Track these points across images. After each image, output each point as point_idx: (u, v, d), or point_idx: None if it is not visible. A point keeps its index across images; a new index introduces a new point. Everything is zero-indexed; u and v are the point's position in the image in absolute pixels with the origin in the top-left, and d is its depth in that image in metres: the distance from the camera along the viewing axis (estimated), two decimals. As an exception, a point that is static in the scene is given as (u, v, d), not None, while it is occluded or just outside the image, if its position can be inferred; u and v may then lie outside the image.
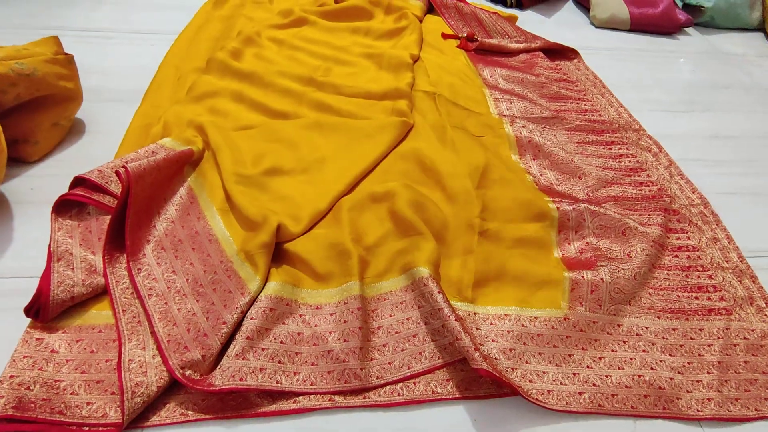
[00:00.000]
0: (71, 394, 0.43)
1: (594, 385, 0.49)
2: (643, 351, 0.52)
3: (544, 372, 0.49)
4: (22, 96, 0.62)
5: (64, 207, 0.58)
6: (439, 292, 0.50)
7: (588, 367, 0.51)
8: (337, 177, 0.66)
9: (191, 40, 0.94)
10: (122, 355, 0.45)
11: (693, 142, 0.85)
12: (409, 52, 0.90)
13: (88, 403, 0.43)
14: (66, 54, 0.68)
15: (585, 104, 0.88)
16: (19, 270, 0.54)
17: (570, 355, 0.51)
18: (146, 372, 0.44)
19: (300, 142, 0.70)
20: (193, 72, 0.83)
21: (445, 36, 1.05)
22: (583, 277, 0.57)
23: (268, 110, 0.76)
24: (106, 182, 0.58)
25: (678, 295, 0.58)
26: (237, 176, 0.63)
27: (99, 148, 0.69)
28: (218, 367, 0.45)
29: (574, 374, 0.49)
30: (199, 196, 0.62)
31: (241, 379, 0.44)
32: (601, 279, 0.56)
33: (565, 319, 0.53)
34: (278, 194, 0.63)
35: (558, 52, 1.05)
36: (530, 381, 0.48)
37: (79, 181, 0.58)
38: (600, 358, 0.51)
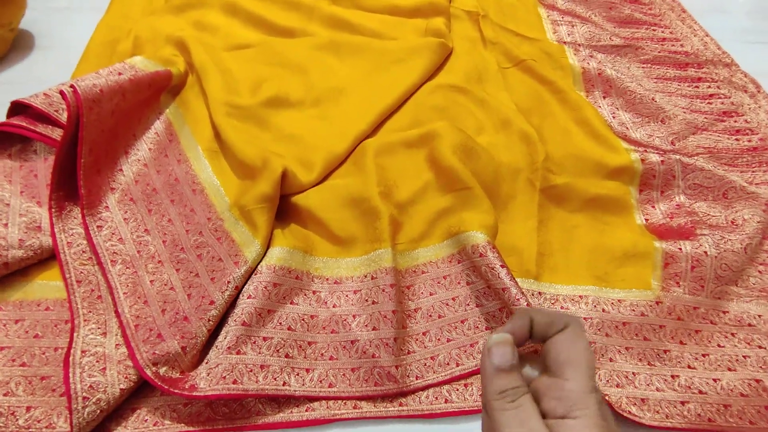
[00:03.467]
0: (5, 394, 0.32)
1: (700, 392, 0.37)
2: (759, 347, 0.40)
3: (634, 373, 0.37)
4: (-64, -11, 0.46)
5: (1, 142, 0.44)
6: (502, 266, 0.37)
7: (689, 367, 0.39)
8: (358, 112, 0.51)
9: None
10: (72, 345, 0.33)
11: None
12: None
13: (28, 408, 0.32)
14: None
15: (662, 31, 0.70)
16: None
17: (666, 351, 0.39)
18: (105, 369, 0.32)
19: (310, 66, 0.54)
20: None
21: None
22: (680, 249, 0.43)
23: (269, 26, 0.60)
24: (56, 110, 0.43)
25: (797, 275, 0.45)
26: (229, 107, 0.48)
27: (51, 68, 0.54)
28: (204, 362, 0.33)
29: (672, 376, 0.38)
30: (180, 132, 0.48)
31: (235, 382, 0.32)
32: (705, 252, 0.43)
33: (657, 303, 0.41)
34: (283, 132, 0.49)
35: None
36: (618, 386, 0.36)
37: (19, 108, 0.43)
38: (704, 356, 0.39)
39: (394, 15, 0.62)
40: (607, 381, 0.37)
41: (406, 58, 0.56)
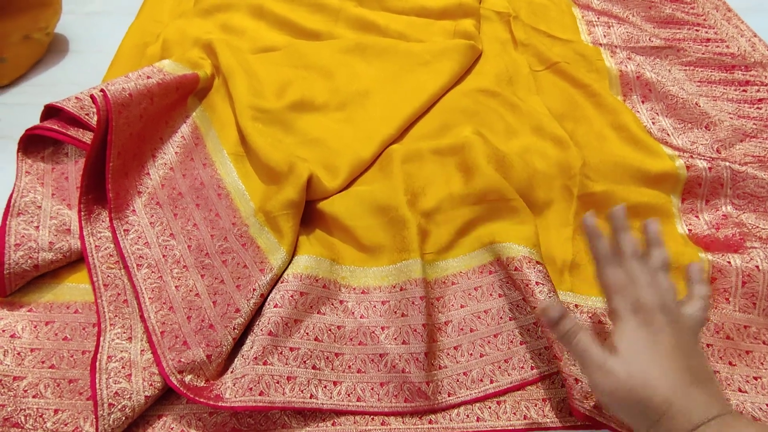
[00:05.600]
0: (34, 396, 0.32)
1: (753, 417, 0.35)
2: (818, 372, 0.37)
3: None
4: (-23, -5, 0.47)
5: (34, 145, 0.44)
6: (537, 284, 0.35)
7: (740, 390, 0.36)
8: (384, 116, 0.50)
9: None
10: (99, 350, 0.32)
11: None
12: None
13: (56, 411, 0.32)
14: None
15: (706, 31, 0.67)
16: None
17: (714, 372, 0.36)
18: (130, 375, 0.31)
19: (336, 69, 0.54)
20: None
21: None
22: (729, 262, 0.41)
23: (296, 28, 0.59)
24: (87, 114, 0.43)
25: None
26: (255, 110, 0.48)
27: (85, 71, 0.55)
28: (230, 371, 0.33)
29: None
30: (206, 136, 0.48)
31: (261, 393, 0.31)
32: (756, 266, 0.40)
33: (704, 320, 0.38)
34: (307, 136, 0.48)
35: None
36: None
37: (52, 112, 0.44)
38: (756, 378, 0.37)
39: (421, 16, 0.61)
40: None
41: (433, 60, 0.55)
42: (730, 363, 0.37)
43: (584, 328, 0.28)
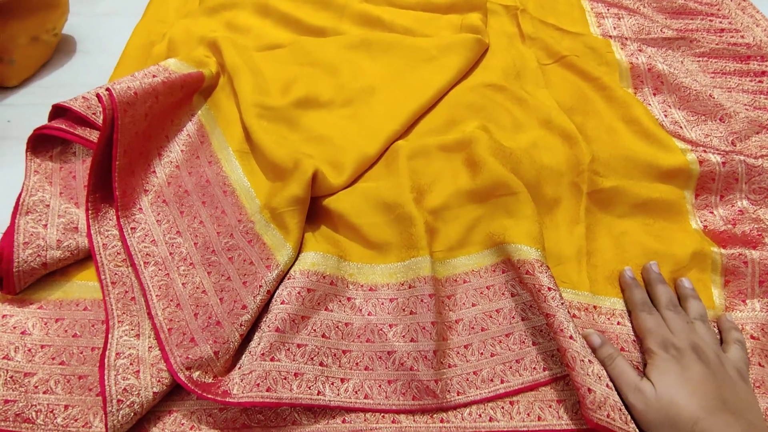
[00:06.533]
0: (44, 392, 0.32)
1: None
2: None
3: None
4: (-14, -3, 0.48)
5: (42, 144, 0.45)
6: (549, 289, 0.34)
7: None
8: (389, 112, 0.49)
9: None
10: (107, 347, 0.33)
11: None
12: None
13: (66, 407, 0.32)
14: (41, -56, 0.52)
15: (720, 22, 0.65)
16: (-12, 223, 0.42)
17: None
18: (139, 372, 0.31)
19: (341, 65, 0.53)
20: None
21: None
22: (745, 261, 0.40)
23: (301, 25, 0.59)
24: (94, 113, 0.44)
25: None
26: (259, 108, 0.48)
27: (91, 72, 0.55)
28: (237, 366, 0.32)
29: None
30: (211, 134, 0.48)
31: (269, 389, 0.31)
32: (774, 262, 0.39)
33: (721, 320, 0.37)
34: (313, 133, 0.48)
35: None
36: (679, 409, 0.33)
37: (60, 111, 0.44)
38: (775, 378, 0.36)
39: (427, 11, 0.61)
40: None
41: (439, 55, 0.54)
42: (759, 364, 0.36)
43: (621, 355, 0.32)
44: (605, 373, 0.31)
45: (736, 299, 0.39)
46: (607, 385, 0.30)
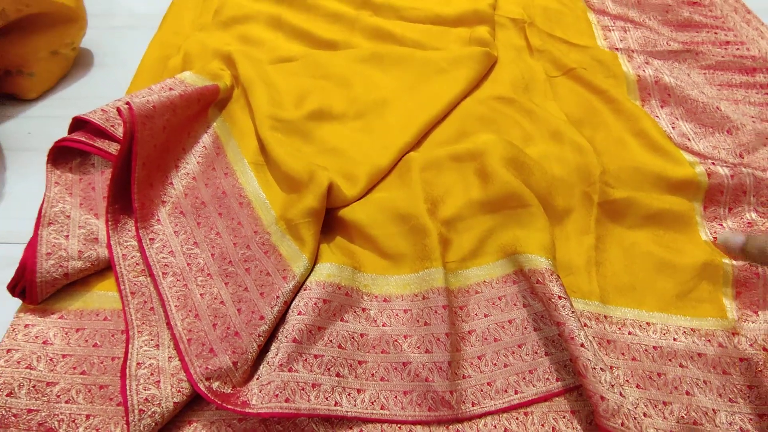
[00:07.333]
0: (66, 402, 0.33)
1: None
2: None
3: (714, 410, 0.34)
4: (8, 13, 0.49)
5: (63, 156, 0.46)
6: (560, 298, 0.35)
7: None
8: (401, 124, 0.50)
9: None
10: (128, 357, 0.33)
11: None
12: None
13: (87, 416, 0.32)
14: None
15: (725, 34, 0.66)
16: (10, 235, 0.43)
17: (750, 387, 0.36)
18: (159, 382, 0.32)
19: (353, 78, 0.54)
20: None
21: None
22: (757, 273, 0.40)
23: (313, 39, 0.60)
24: (112, 125, 0.45)
25: None
26: (273, 120, 0.49)
27: (109, 85, 0.57)
28: (256, 377, 0.33)
29: (760, 416, 0.34)
30: (227, 146, 0.49)
31: (287, 400, 0.31)
32: (784, 275, 0.39)
33: (734, 333, 0.38)
34: (326, 145, 0.49)
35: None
36: (695, 423, 0.33)
37: (79, 124, 0.45)
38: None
39: (437, 25, 0.62)
40: (682, 417, 0.34)
41: (449, 68, 0.55)
42: None
43: None
44: (618, 381, 0.31)
45: (748, 310, 0.39)
46: (621, 393, 0.31)
